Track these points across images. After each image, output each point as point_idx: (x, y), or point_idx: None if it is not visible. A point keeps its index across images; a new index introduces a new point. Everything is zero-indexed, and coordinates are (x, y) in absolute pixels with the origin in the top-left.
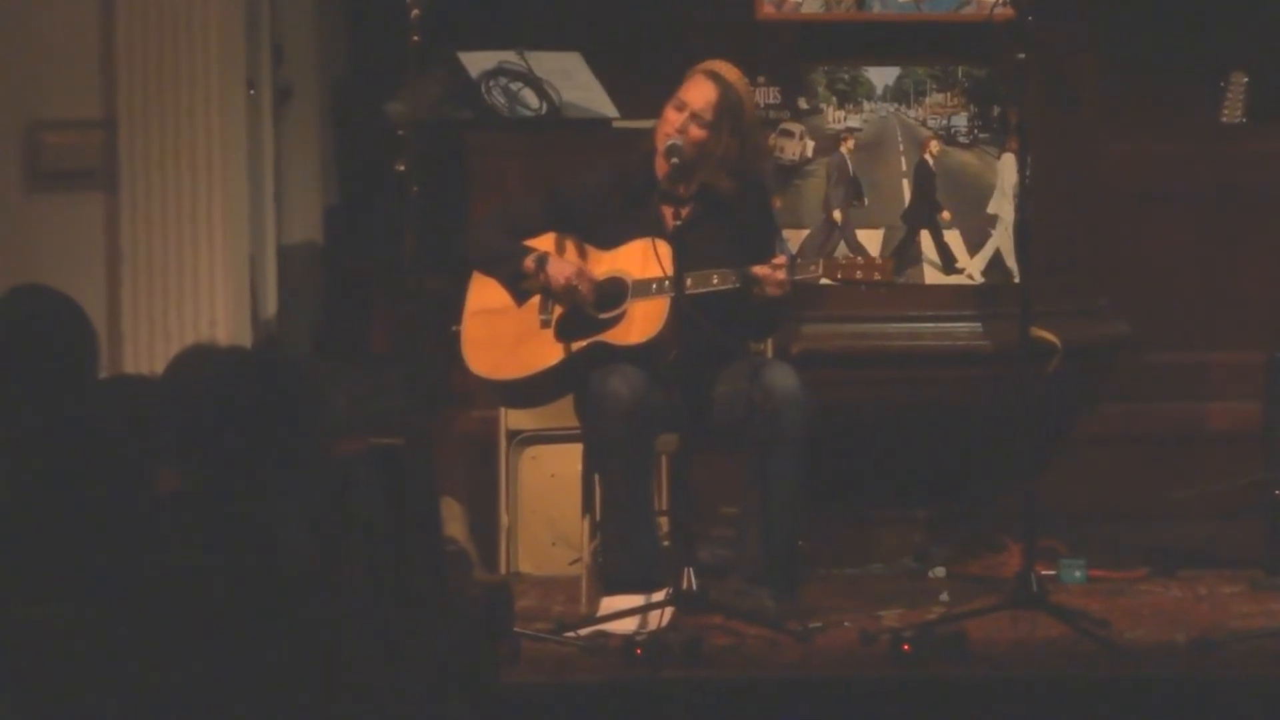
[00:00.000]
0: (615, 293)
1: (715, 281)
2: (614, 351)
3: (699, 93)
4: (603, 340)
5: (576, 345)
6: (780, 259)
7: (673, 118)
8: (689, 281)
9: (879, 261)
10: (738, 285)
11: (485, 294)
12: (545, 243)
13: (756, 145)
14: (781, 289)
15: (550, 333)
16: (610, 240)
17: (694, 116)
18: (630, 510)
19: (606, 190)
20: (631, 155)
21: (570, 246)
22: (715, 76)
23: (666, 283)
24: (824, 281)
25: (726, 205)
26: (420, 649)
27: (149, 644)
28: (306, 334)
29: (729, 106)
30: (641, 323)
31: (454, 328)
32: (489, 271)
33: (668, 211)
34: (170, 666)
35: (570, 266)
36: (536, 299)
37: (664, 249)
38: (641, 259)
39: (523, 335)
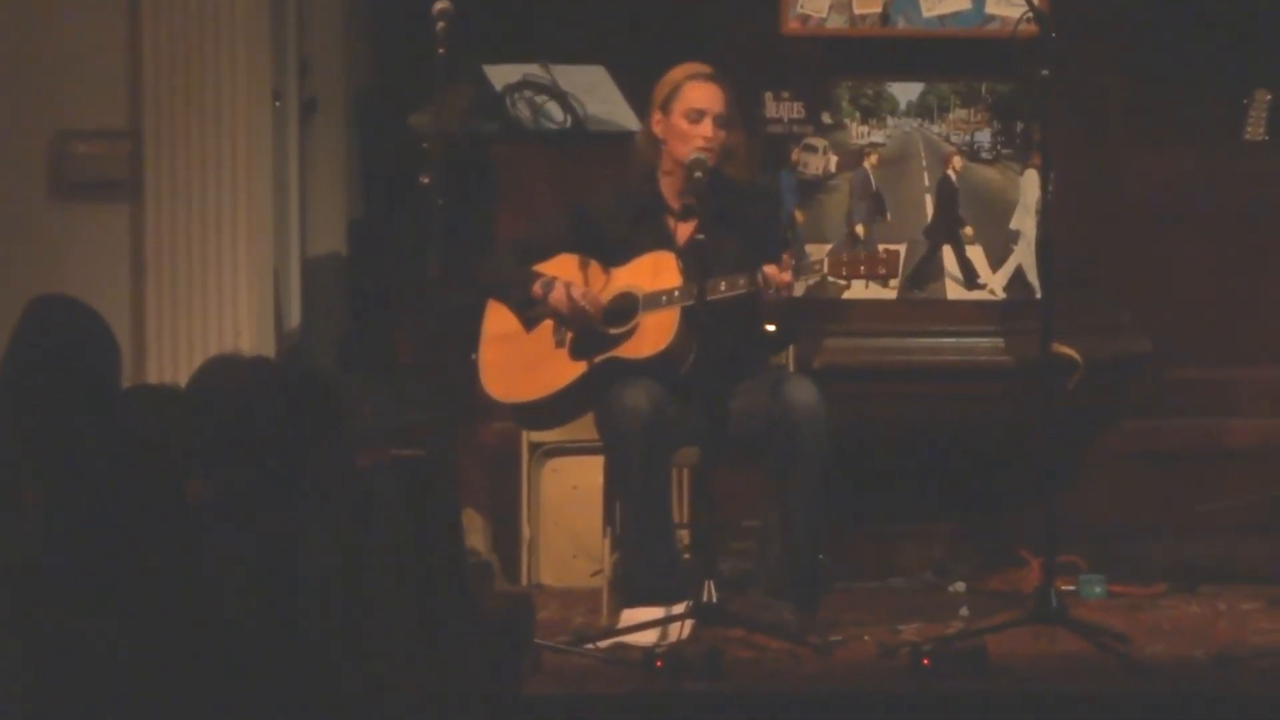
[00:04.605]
0: (627, 309)
1: (723, 288)
2: (627, 366)
3: (708, 96)
4: (615, 355)
5: (590, 363)
6: (786, 258)
7: (690, 129)
8: (696, 290)
9: (882, 256)
10: (745, 290)
11: (500, 320)
12: (565, 263)
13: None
14: (786, 290)
15: (565, 353)
16: (621, 257)
17: (716, 118)
18: (649, 523)
19: (614, 208)
20: (632, 171)
21: (586, 266)
22: (713, 77)
23: (676, 293)
24: (830, 279)
25: (734, 215)
26: (442, 660)
27: (174, 653)
28: (330, 345)
29: (732, 100)
30: (653, 335)
31: (472, 355)
32: (499, 298)
33: (675, 224)
34: (194, 675)
35: (576, 289)
36: (550, 322)
37: (674, 261)
38: (651, 273)
39: (538, 358)
